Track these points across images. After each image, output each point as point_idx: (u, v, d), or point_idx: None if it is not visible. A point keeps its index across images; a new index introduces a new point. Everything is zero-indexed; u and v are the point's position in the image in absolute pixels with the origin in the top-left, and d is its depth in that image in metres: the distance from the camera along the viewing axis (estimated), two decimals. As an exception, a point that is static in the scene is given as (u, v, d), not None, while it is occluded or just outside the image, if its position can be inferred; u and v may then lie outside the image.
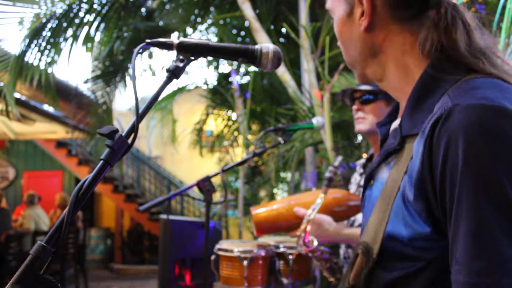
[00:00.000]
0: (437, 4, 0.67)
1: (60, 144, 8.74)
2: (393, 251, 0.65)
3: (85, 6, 4.33)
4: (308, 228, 1.32)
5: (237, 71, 6.16)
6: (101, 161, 0.65)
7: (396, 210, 0.65)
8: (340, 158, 1.40)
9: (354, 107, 1.62)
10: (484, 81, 0.60)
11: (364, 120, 1.59)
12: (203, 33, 6.28)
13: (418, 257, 0.63)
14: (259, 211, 1.56)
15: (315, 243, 1.33)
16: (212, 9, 5.31)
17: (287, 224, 1.51)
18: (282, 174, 6.66)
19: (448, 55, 0.66)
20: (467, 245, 0.53)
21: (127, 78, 5.01)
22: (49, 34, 4.16)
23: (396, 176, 0.67)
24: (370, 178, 0.80)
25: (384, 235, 0.66)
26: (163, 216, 1.95)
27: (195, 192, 1.70)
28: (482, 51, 0.66)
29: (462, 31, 0.66)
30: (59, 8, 4.19)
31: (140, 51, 0.75)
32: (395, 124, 0.79)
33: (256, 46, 0.82)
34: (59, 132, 7.48)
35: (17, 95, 5.33)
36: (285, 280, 1.68)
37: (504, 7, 2.50)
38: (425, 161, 0.59)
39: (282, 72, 3.84)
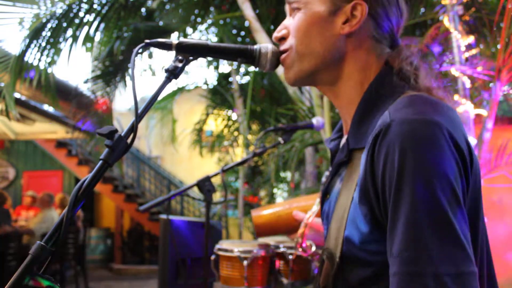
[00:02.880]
0: (398, 45, 0.81)
1: (60, 144, 8.73)
2: (351, 255, 0.71)
3: (85, 6, 4.32)
4: (307, 232, 1.32)
5: (237, 71, 6.16)
6: (100, 161, 0.65)
7: (351, 217, 0.71)
8: None
9: None
10: (417, 98, 0.69)
11: None
12: (203, 33, 6.28)
13: (370, 262, 0.68)
14: (260, 213, 1.56)
15: (313, 248, 1.33)
16: (212, 9, 5.31)
17: (287, 227, 1.51)
18: (282, 174, 6.66)
19: (392, 76, 0.76)
20: (400, 240, 0.59)
21: (127, 78, 5.01)
22: (49, 34, 4.16)
23: (348, 187, 0.73)
24: (326, 193, 0.85)
25: (343, 241, 0.72)
26: (163, 216, 1.96)
27: (195, 192, 1.70)
28: (419, 74, 0.77)
29: (411, 65, 0.77)
30: (59, 8, 4.19)
31: (140, 51, 0.75)
32: (343, 140, 0.85)
33: (255, 46, 0.82)
34: (59, 132, 7.48)
35: (17, 95, 5.33)
36: (285, 280, 1.68)
37: (504, 7, 2.50)
38: (368, 169, 0.66)
39: (282, 72, 3.85)
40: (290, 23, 0.82)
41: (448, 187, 0.59)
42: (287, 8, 0.85)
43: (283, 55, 0.82)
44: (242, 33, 5.94)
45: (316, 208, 1.30)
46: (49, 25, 4.14)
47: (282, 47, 0.82)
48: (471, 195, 0.66)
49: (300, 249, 1.31)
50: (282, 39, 0.83)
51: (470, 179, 0.65)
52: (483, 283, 0.69)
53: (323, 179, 1.33)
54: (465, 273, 0.57)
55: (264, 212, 1.56)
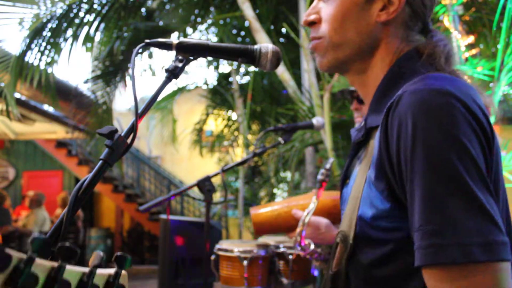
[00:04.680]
0: (430, 31, 0.80)
1: (60, 144, 8.73)
2: (364, 234, 0.69)
3: (85, 6, 4.33)
4: (304, 231, 1.32)
5: (237, 71, 6.15)
6: (100, 161, 0.65)
7: (365, 196, 0.70)
8: (331, 160, 1.40)
9: (352, 107, 1.63)
10: (434, 74, 0.68)
11: (361, 119, 1.61)
12: (203, 33, 6.27)
13: (386, 240, 0.67)
14: (258, 211, 1.56)
15: (312, 246, 1.33)
16: (212, 9, 5.31)
17: (286, 225, 1.51)
18: (282, 174, 6.66)
19: (417, 59, 0.74)
20: (421, 212, 0.57)
21: (127, 78, 5.01)
22: (49, 34, 4.16)
23: (364, 167, 0.72)
24: (345, 177, 0.84)
25: (356, 221, 0.70)
26: (163, 216, 1.96)
27: (195, 192, 1.70)
28: (449, 59, 0.75)
29: (442, 50, 0.75)
30: (59, 8, 4.19)
31: (140, 51, 0.75)
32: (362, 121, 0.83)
33: (255, 46, 0.82)
34: (59, 132, 7.48)
35: (17, 95, 5.33)
36: (285, 280, 1.68)
37: (504, 7, 2.50)
38: (382, 143, 0.65)
39: (282, 71, 3.85)
40: (321, 7, 0.79)
41: (465, 155, 0.57)
42: None
43: (315, 42, 0.79)
44: (242, 33, 5.94)
45: (313, 205, 1.30)
46: (49, 25, 4.15)
47: (314, 34, 0.80)
48: (494, 171, 0.63)
49: (299, 248, 1.31)
50: (313, 23, 0.80)
51: (493, 149, 0.62)
52: None
53: (319, 176, 1.32)
54: (495, 242, 0.54)
55: (263, 211, 1.56)
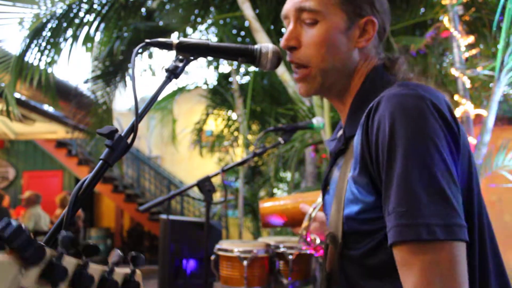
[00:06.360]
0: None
1: (60, 144, 8.74)
2: (352, 231, 0.76)
3: (85, 6, 4.32)
4: (311, 226, 1.32)
5: (237, 71, 6.15)
6: (100, 161, 0.65)
7: (348, 196, 0.76)
8: None
9: None
10: (406, 82, 0.78)
11: None
12: (203, 33, 6.27)
13: (374, 230, 0.74)
14: (266, 204, 1.58)
15: (318, 241, 1.34)
16: (212, 9, 5.31)
17: (293, 219, 1.52)
18: (282, 174, 6.66)
19: (384, 72, 0.85)
20: (394, 197, 0.66)
21: (127, 78, 5.01)
22: (49, 34, 4.16)
23: (345, 171, 0.78)
24: (326, 184, 0.91)
25: (343, 221, 0.77)
26: (163, 216, 1.96)
27: (195, 192, 1.70)
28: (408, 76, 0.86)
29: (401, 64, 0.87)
30: (59, 8, 4.19)
31: (140, 51, 0.75)
32: (340, 132, 0.91)
33: (256, 46, 0.82)
34: (59, 132, 7.48)
35: (17, 95, 5.33)
36: (285, 280, 1.68)
37: (504, 7, 2.50)
38: (364, 141, 0.72)
39: (282, 72, 3.84)
40: (301, 32, 0.83)
41: (434, 149, 0.66)
42: (291, 12, 0.84)
43: (302, 73, 0.84)
44: (242, 33, 5.94)
45: (320, 200, 1.31)
46: (49, 25, 4.15)
47: (295, 59, 0.84)
48: (463, 165, 0.72)
49: (304, 243, 1.32)
50: (293, 48, 0.84)
51: (460, 144, 0.71)
52: (486, 257, 0.74)
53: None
54: (454, 225, 0.63)
55: (271, 204, 1.58)
